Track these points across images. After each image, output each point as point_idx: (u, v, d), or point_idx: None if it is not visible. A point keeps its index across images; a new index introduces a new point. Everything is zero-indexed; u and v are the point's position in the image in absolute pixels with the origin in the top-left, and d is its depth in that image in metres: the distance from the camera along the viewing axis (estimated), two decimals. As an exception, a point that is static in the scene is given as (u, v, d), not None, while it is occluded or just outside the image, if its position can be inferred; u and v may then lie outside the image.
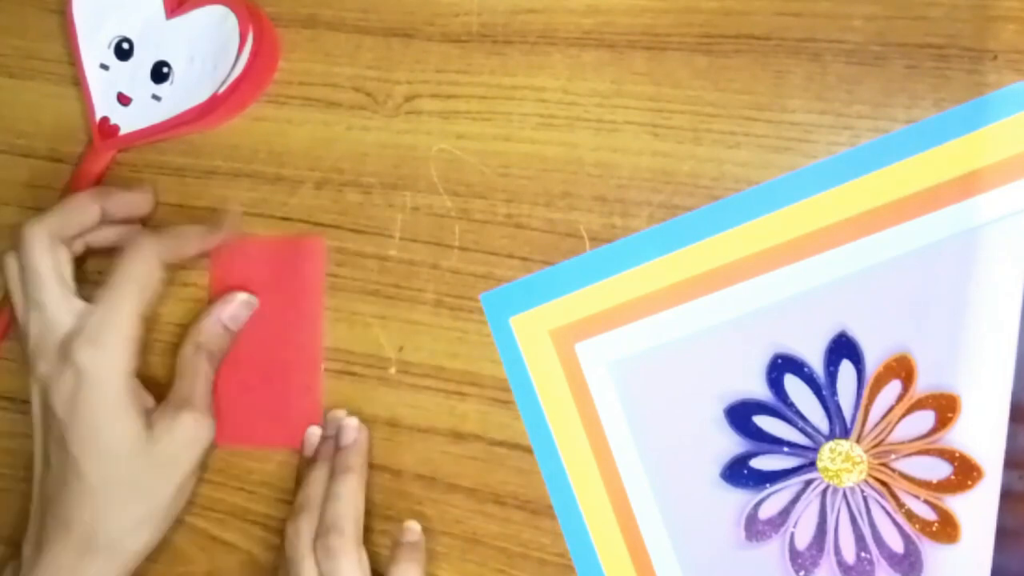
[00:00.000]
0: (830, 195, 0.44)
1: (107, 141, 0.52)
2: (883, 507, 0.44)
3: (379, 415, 0.49)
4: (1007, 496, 0.42)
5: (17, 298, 0.47)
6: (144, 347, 0.52)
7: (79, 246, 0.49)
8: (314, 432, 0.49)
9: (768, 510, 0.45)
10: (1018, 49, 0.43)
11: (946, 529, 0.43)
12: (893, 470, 0.44)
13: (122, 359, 0.46)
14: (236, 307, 0.50)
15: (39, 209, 0.53)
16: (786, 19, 0.45)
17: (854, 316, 0.44)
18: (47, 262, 0.46)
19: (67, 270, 0.47)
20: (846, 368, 0.44)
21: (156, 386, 0.50)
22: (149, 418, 0.47)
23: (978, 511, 0.43)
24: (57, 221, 0.47)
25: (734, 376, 0.45)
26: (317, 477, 0.47)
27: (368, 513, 0.48)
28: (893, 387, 0.44)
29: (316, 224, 0.50)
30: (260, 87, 0.51)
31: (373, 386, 0.49)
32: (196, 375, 0.49)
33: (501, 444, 0.48)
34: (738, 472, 0.45)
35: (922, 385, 0.43)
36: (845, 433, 0.44)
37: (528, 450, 0.47)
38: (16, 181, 0.54)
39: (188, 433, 0.47)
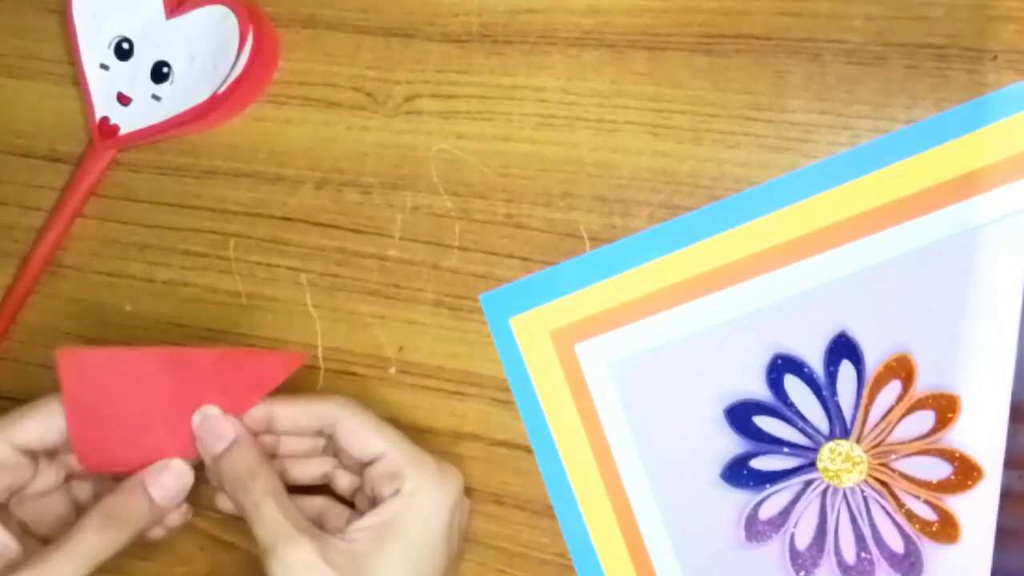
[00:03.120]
0: (830, 195, 0.44)
1: (107, 141, 0.52)
2: (883, 507, 0.44)
3: (379, 415, 0.49)
4: (1007, 496, 0.42)
5: None
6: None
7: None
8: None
9: (768, 510, 0.45)
10: (1018, 49, 0.43)
11: (946, 529, 0.43)
12: (893, 470, 0.44)
13: None
14: (163, 474, 0.43)
15: (39, 209, 0.53)
16: (786, 19, 0.45)
17: (854, 316, 0.44)
18: None
19: None
20: (846, 368, 0.44)
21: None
22: None
23: (978, 511, 0.43)
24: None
25: (734, 376, 0.45)
26: None
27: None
28: (893, 387, 0.44)
29: (316, 224, 0.50)
30: (260, 87, 0.51)
31: (373, 386, 0.49)
32: (69, 540, 0.41)
33: (501, 444, 0.48)
34: (738, 472, 0.45)
35: (922, 385, 0.43)
36: (845, 433, 0.44)
37: (528, 450, 0.47)
38: (16, 181, 0.54)
39: None
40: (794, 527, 0.45)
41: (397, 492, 0.43)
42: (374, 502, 0.44)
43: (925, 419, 0.43)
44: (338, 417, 0.44)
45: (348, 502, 0.47)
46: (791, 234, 0.45)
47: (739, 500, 0.45)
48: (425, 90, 0.49)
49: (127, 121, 0.51)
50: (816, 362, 0.44)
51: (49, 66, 0.54)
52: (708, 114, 0.46)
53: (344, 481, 0.46)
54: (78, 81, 0.52)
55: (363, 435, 0.44)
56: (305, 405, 0.45)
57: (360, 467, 0.45)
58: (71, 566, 0.40)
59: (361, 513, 0.45)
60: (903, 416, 0.44)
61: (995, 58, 0.43)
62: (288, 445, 0.46)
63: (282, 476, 0.45)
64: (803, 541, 0.45)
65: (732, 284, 0.45)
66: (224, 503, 0.45)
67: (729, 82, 0.45)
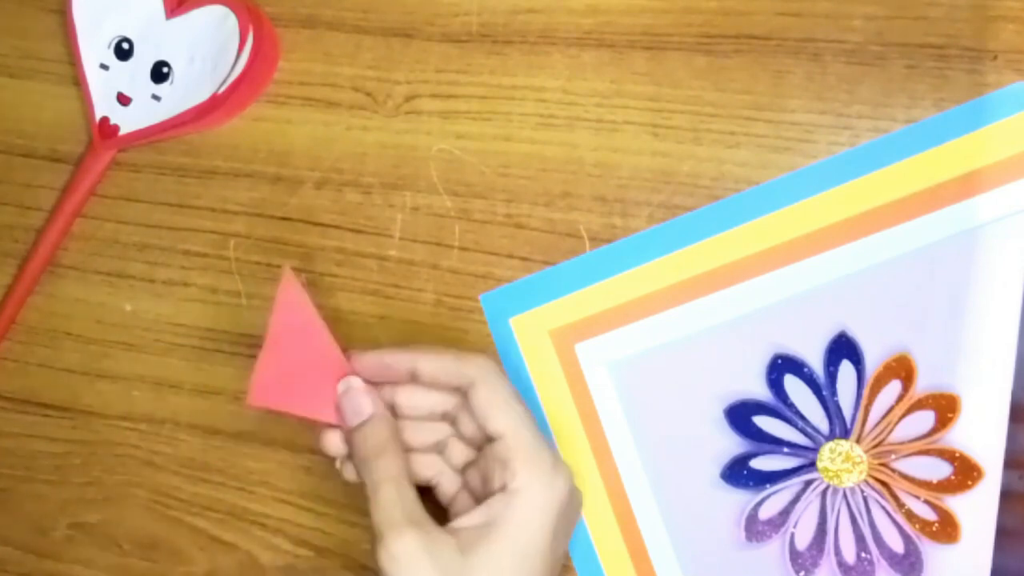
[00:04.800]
0: (830, 195, 0.44)
1: (107, 141, 0.52)
2: (883, 507, 0.44)
3: (379, 415, 0.49)
4: (1007, 496, 0.42)
5: None
6: (142, 346, 0.52)
7: None
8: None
9: (768, 510, 0.45)
10: (1018, 49, 0.43)
11: (946, 529, 0.43)
12: (893, 470, 0.44)
13: None
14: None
15: (39, 209, 0.53)
16: (786, 19, 0.45)
17: (854, 316, 0.44)
18: None
19: None
20: (846, 368, 0.44)
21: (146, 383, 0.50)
22: None
23: (978, 511, 0.43)
24: None
25: (734, 376, 0.45)
26: None
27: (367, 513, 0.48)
28: (893, 387, 0.44)
29: (316, 224, 0.50)
30: (260, 87, 0.51)
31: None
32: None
33: (501, 444, 0.48)
34: (738, 472, 0.45)
35: (922, 385, 0.43)
36: (845, 433, 0.44)
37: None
38: (16, 181, 0.54)
39: None
40: (794, 527, 0.45)
41: (504, 487, 0.42)
42: (483, 484, 0.43)
43: (925, 419, 0.43)
44: (476, 379, 0.43)
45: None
46: (791, 234, 0.45)
47: (739, 500, 0.45)
48: (425, 90, 0.49)
49: (127, 121, 0.51)
50: (816, 362, 0.44)
51: (49, 66, 0.54)
52: (708, 114, 0.46)
53: (456, 452, 0.45)
54: (78, 81, 0.52)
55: (492, 407, 0.42)
56: (449, 361, 0.43)
57: (480, 439, 0.44)
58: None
59: (469, 492, 0.44)
60: (903, 416, 0.44)
61: (995, 58, 0.43)
62: (407, 408, 0.45)
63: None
64: (803, 541, 0.45)
65: (732, 284, 0.45)
66: (350, 473, 0.45)
67: (729, 82, 0.45)
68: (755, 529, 0.45)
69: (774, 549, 0.45)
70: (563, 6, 0.47)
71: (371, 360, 0.44)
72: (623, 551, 0.46)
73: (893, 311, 0.44)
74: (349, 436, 0.44)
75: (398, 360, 0.44)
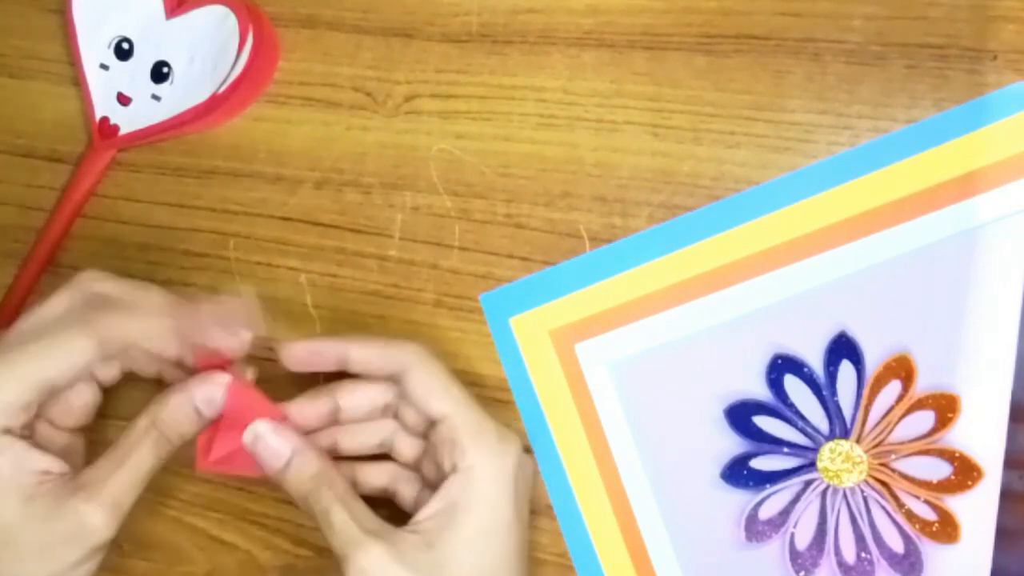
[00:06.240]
0: (830, 195, 0.44)
1: (107, 141, 0.52)
2: (883, 507, 0.44)
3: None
4: (1007, 496, 0.42)
5: None
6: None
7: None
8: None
9: (768, 510, 0.45)
10: (1018, 49, 0.43)
11: (946, 529, 0.43)
12: (893, 470, 0.44)
13: None
14: (213, 388, 0.43)
15: (39, 209, 0.53)
16: (786, 19, 0.45)
17: (854, 316, 0.44)
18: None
19: None
20: (846, 368, 0.44)
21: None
22: (35, 490, 0.40)
23: (978, 511, 0.43)
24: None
25: (734, 376, 0.45)
26: None
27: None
28: (893, 387, 0.44)
29: (316, 224, 0.50)
30: (260, 87, 0.51)
31: (373, 386, 0.49)
32: (126, 459, 0.42)
33: (501, 444, 0.48)
34: (738, 472, 0.45)
35: (922, 385, 0.43)
36: (845, 433, 0.44)
37: (528, 450, 0.47)
38: (16, 181, 0.54)
39: (68, 526, 0.40)
40: (794, 527, 0.45)
41: (455, 468, 0.42)
42: (437, 471, 0.43)
43: (925, 419, 0.43)
44: (410, 365, 0.43)
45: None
46: (791, 234, 0.45)
47: (739, 500, 0.45)
48: (425, 90, 0.49)
49: (127, 121, 0.51)
50: (816, 362, 0.44)
51: (49, 66, 0.54)
52: (708, 114, 0.46)
53: (406, 448, 0.45)
54: (78, 81, 0.52)
55: (429, 391, 0.43)
56: (379, 348, 0.44)
57: (424, 425, 0.44)
58: (131, 482, 0.42)
59: (429, 482, 0.44)
60: (903, 416, 0.44)
61: (995, 58, 0.43)
62: (348, 409, 0.45)
63: (337, 448, 0.45)
64: (803, 541, 0.45)
65: (732, 284, 0.45)
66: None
67: (729, 82, 0.45)
68: (755, 529, 0.45)
69: (774, 549, 0.45)
70: (563, 6, 0.47)
71: (301, 349, 0.44)
72: (623, 551, 0.46)
73: (893, 311, 0.44)
74: (277, 478, 0.43)
75: (328, 348, 0.44)
